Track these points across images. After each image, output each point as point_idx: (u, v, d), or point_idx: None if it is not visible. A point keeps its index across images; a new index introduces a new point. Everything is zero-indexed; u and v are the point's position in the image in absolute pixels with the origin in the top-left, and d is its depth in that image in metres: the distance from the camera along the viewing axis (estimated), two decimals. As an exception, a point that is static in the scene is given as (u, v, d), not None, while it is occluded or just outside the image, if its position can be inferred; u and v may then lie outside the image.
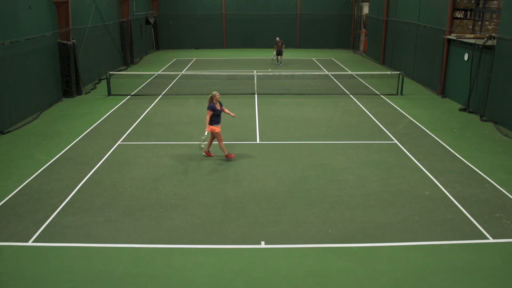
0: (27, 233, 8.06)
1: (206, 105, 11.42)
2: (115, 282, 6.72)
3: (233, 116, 12.13)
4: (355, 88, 20.74)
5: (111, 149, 12.48)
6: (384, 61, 28.43)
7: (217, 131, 11.30)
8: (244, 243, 7.80)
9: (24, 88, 15.39)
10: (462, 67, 17.65)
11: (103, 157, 11.85)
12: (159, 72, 24.71)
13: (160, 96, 19.13)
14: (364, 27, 35.14)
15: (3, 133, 13.77)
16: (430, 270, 7.01)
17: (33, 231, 8.10)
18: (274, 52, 27.99)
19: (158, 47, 37.19)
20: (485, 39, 16.09)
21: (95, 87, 20.91)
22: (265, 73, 23.37)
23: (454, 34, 18.43)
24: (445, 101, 18.45)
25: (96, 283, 6.69)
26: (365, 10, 35.07)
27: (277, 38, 27.92)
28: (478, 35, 17.90)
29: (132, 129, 14.39)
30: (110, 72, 20.17)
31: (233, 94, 19.28)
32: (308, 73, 24.05)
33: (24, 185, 10.06)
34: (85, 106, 17.47)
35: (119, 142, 13.05)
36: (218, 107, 11.30)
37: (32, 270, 6.99)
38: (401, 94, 19.45)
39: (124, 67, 27.23)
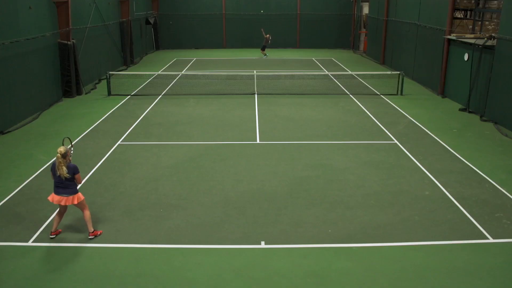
0: (27, 233, 8.05)
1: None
2: (115, 282, 6.72)
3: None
4: (355, 88, 20.74)
5: (111, 149, 12.48)
6: (384, 61, 28.43)
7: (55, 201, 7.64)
8: (244, 243, 7.80)
9: (24, 88, 15.39)
10: (462, 67, 17.65)
11: (103, 157, 11.85)
12: (159, 72, 24.71)
13: (160, 96, 19.13)
14: (364, 27, 35.14)
15: (3, 133, 13.77)
16: (430, 270, 7.00)
17: (33, 231, 8.10)
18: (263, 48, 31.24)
19: (158, 47, 37.18)
20: (485, 39, 16.09)
21: (95, 87, 20.91)
22: (265, 73, 23.38)
23: (454, 34, 18.42)
24: (445, 101, 18.45)
25: (96, 283, 6.69)
26: (365, 10, 35.06)
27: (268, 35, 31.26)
28: (478, 35, 17.90)
29: (132, 129, 14.39)
30: (110, 72, 20.18)
31: (233, 94, 19.28)
32: (308, 73, 24.06)
33: (24, 185, 10.06)
34: (85, 106, 17.47)
35: (119, 142, 13.05)
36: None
37: (32, 270, 6.99)
38: (401, 94, 19.45)
39: (124, 67, 27.22)
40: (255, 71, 24.19)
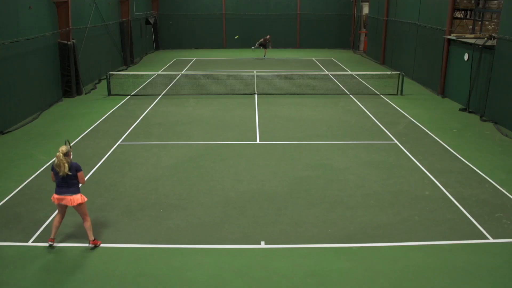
0: (27, 233, 8.05)
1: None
2: (115, 282, 6.72)
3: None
4: (355, 88, 20.74)
5: (111, 149, 12.48)
6: (384, 61, 28.43)
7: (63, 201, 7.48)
8: (244, 243, 7.80)
9: (24, 88, 15.39)
10: (462, 67, 17.65)
11: (103, 157, 11.85)
12: (159, 72, 24.71)
13: (160, 96, 19.13)
14: (364, 27, 35.14)
15: (3, 133, 13.77)
16: (430, 270, 7.00)
17: (33, 231, 8.10)
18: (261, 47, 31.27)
19: (158, 47, 37.18)
20: (485, 39, 16.09)
21: (95, 87, 20.92)
22: (265, 73, 23.38)
23: (454, 34, 18.42)
24: (445, 101, 18.45)
25: (96, 283, 6.69)
26: (365, 10, 35.07)
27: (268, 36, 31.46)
28: (478, 35, 17.90)
29: (132, 129, 14.39)
30: (110, 72, 20.18)
31: (233, 94, 19.28)
32: (308, 73, 24.06)
33: (24, 185, 10.06)
34: (85, 106, 17.47)
35: (119, 142, 13.05)
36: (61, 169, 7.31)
37: (32, 270, 6.99)
38: (401, 94, 19.45)
39: (124, 67, 27.22)
40: (255, 71, 24.19)
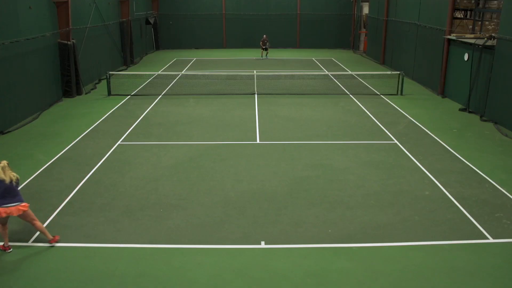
0: (27, 233, 8.05)
1: None
2: (115, 282, 6.72)
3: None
4: (355, 88, 20.74)
5: (111, 149, 12.48)
6: (384, 61, 28.43)
7: (15, 213, 7.30)
8: (244, 243, 7.80)
9: (24, 88, 15.39)
10: (462, 67, 17.65)
11: (103, 157, 11.85)
12: (159, 72, 24.71)
13: (160, 96, 19.13)
14: (364, 27, 35.14)
15: (3, 133, 13.77)
16: (430, 270, 7.00)
17: (33, 231, 8.09)
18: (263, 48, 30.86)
19: (158, 47, 37.18)
20: (485, 39, 16.09)
21: (95, 87, 20.92)
22: (265, 73, 23.37)
23: (454, 34, 18.42)
24: (445, 101, 18.45)
25: (96, 283, 6.69)
26: (365, 10, 35.07)
27: (265, 36, 31.40)
28: (478, 35, 17.90)
29: (132, 129, 14.39)
30: (110, 72, 20.18)
31: (233, 94, 19.28)
32: (308, 73, 24.05)
33: (24, 185, 10.05)
34: (85, 106, 17.47)
35: (119, 142, 13.05)
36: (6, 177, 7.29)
37: (32, 270, 6.99)
38: (401, 94, 19.45)
39: (124, 67, 27.22)
40: (255, 71, 24.19)
